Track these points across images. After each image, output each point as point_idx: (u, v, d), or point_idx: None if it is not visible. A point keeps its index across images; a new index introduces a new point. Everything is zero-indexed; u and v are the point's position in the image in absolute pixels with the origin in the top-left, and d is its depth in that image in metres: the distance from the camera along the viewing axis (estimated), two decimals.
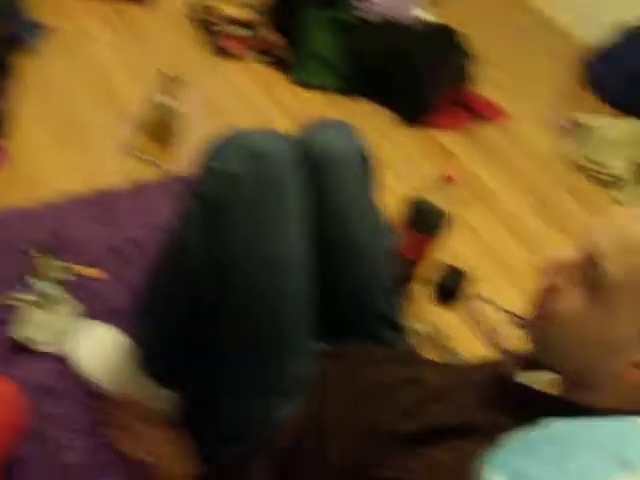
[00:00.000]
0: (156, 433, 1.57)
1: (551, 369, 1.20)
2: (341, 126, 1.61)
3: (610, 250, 1.02)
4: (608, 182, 3.50)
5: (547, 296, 1.12)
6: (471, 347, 2.32)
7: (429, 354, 2.12)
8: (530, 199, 3.21)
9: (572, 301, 1.07)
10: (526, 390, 1.19)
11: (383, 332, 1.67)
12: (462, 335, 2.35)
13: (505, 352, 2.32)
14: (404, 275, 2.10)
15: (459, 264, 2.14)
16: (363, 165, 1.60)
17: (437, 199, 2.14)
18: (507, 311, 2.51)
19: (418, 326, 2.22)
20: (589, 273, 1.05)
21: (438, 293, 2.16)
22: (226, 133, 1.44)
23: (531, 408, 1.12)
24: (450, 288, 2.14)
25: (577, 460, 0.80)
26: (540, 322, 1.14)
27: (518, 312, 2.51)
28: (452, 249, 2.37)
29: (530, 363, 1.29)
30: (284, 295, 1.42)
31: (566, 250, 1.12)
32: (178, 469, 1.51)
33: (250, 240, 1.38)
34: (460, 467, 1.07)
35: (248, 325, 1.41)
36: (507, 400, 1.18)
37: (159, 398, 1.58)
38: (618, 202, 3.46)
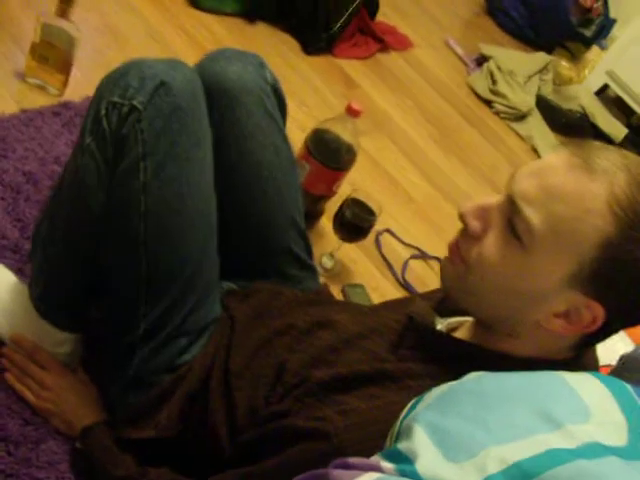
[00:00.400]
0: (56, 379, 1.50)
1: (465, 313, 1.19)
2: (248, 57, 1.54)
3: (534, 197, 0.99)
4: (510, 114, 3.51)
5: (465, 240, 1.09)
6: (376, 283, 2.31)
7: (335, 291, 2.10)
8: (431, 129, 3.20)
9: (492, 247, 1.05)
10: (443, 337, 1.17)
11: (290, 270, 1.63)
12: (367, 271, 2.34)
13: (416, 293, 2.32)
14: (310, 210, 2.06)
15: (360, 195, 2.10)
16: (273, 98, 1.55)
17: (342, 131, 2.10)
18: (412, 246, 2.51)
19: (324, 262, 2.20)
20: (511, 219, 1.02)
21: (343, 228, 2.13)
22: (126, 63, 1.35)
23: (448, 356, 1.11)
24: (355, 223, 2.11)
25: (499, 415, 0.78)
26: (457, 267, 1.10)
27: (422, 247, 2.52)
28: (353, 180, 2.34)
29: (442, 305, 1.28)
30: (190, 233, 1.37)
31: (487, 196, 1.09)
32: (80, 416, 1.46)
33: (155, 176, 1.31)
34: (377, 415, 1.05)
35: (153, 263, 1.35)
36: (424, 348, 1.15)
37: (58, 342, 1.51)
38: (519, 134, 3.49)
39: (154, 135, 1.30)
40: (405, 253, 2.48)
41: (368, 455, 0.93)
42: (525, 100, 3.53)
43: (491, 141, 3.37)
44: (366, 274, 2.32)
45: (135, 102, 1.29)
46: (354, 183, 2.44)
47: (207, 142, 1.40)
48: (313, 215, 2.20)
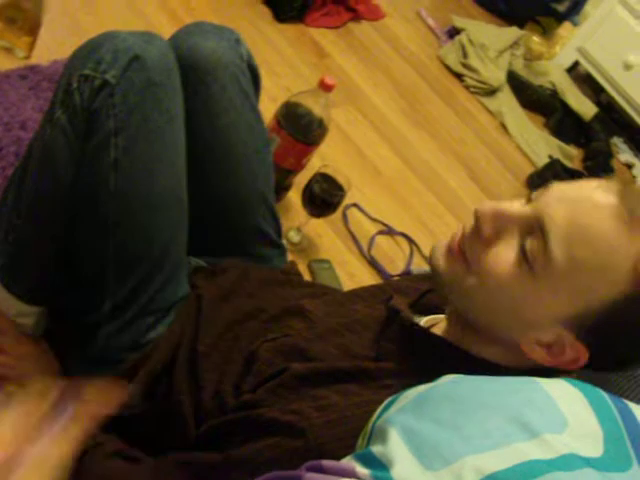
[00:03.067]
0: (15, 346, 1.48)
1: (441, 311, 1.18)
2: (224, 33, 1.51)
3: (564, 230, 0.94)
4: (480, 88, 3.50)
5: (473, 240, 1.04)
6: (342, 258, 2.31)
7: (302, 267, 2.09)
8: (401, 102, 3.18)
9: (500, 259, 0.99)
10: (426, 335, 1.14)
11: (260, 249, 1.62)
12: (334, 246, 2.33)
13: (386, 275, 2.32)
14: (278, 184, 2.04)
15: (330, 170, 2.09)
16: (248, 75, 1.52)
17: (314, 105, 2.07)
18: (379, 221, 2.51)
19: (291, 237, 2.19)
20: (532, 241, 0.97)
21: (311, 203, 2.11)
22: (99, 35, 1.32)
23: (428, 354, 1.10)
24: (323, 198, 2.09)
25: (475, 421, 0.77)
26: (457, 265, 1.05)
27: (388, 222, 2.51)
28: (322, 153, 2.32)
29: (419, 303, 1.26)
30: (160, 211, 1.35)
31: (510, 203, 1.02)
32: (40, 386, 1.43)
33: (126, 153, 1.28)
34: (354, 412, 1.03)
35: (122, 241, 1.32)
36: (405, 344, 1.14)
37: (22, 313, 1.48)
38: (488, 109, 3.48)
39: (126, 110, 1.27)
40: (372, 228, 2.48)
41: (344, 453, 0.93)
42: (496, 75, 3.52)
43: (460, 115, 3.36)
44: (333, 249, 2.31)
45: (108, 76, 1.26)
46: (323, 156, 2.42)
47: (180, 119, 1.37)
48: (281, 189, 2.17)
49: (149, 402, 1.34)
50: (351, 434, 0.99)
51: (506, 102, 3.53)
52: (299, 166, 2.16)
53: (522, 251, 0.97)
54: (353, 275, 2.28)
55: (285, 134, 2.07)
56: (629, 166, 3.84)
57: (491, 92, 3.52)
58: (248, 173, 1.55)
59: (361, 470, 0.75)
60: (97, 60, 1.27)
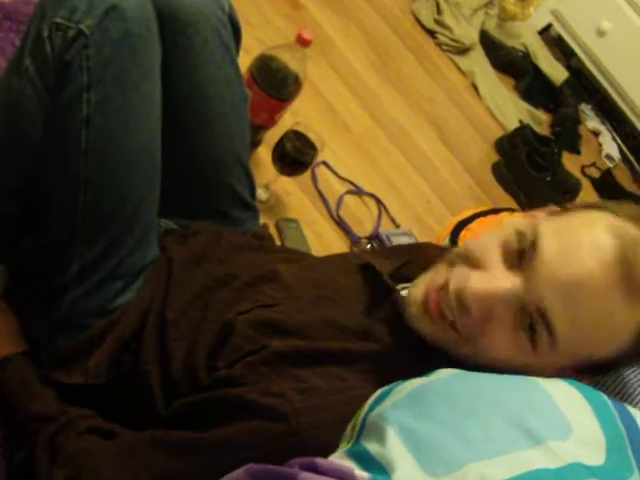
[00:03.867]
0: None
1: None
2: None
3: (566, 318, 0.93)
4: (453, 47, 3.44)
5: (462, 316, 1.00)
6: (310, 217, 2.26)
7: (269, 225, 2.03)
8: (373, 57, 3.11)
9: (499, 341, 0.98)
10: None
11: (233, 211, 1.56)
12: (302, 205, 2.27)
13: (355, 238, 2.27)
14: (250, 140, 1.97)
15: (302, 128, 2.02)
16: (229, 28, 1.45)
17: (290, 60, 2.00)
18: (348, 181, 2.46)
19: (259, 194, 2.12)
20: (538, 329, 0.95)
21: (282, 161, 2.05)
22: None
23: (419, 345, 1.06)
24: (295, 157, 2.03)
25: (475, 422, 0.73)
26: (446, 332, 1.02)
27: (357, 181, 2.47)
28: (293, 108, 2.25)
29: (397, 273, 1.22)
30: (133, 170, 1.28)
31: (499, 281, 0.98)
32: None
33: (99, 109, 1.21)
34: (338, 398, 1.00)
35: (92, 201, 1.25)
36: (394, 328, 1.10)
37: None
38: (459, 68, 3.43)
39: (101, 64, 1.19)
40: (341, 188, 2.42)
41: (326, 440, 0.90)
42: (469, 34, 3.46)
43: (431, 73, 3.30)
44: (301, 208, 2.26)
45: (82, 26, 1.18)
46: (294, 111, 2.35)
47: (157, 72, 1.30)
48: (251, 144, 2.11)
49: (115, 371, 1.29)
50: (334, 420, 0.96)
51: (478, 62, 3.48)
52: (271, 122, 2.09)
53: (529, 337, 0.95)
54: (321, 235, 2.23)
55: (258, 89, 1.99)
56: (595, 133, 3.83)
57: (463, 51, 3.46)
58: (224, 128, 1.49)
59: (360, 473, 0.70)
60: (71, 8, 1.19)
